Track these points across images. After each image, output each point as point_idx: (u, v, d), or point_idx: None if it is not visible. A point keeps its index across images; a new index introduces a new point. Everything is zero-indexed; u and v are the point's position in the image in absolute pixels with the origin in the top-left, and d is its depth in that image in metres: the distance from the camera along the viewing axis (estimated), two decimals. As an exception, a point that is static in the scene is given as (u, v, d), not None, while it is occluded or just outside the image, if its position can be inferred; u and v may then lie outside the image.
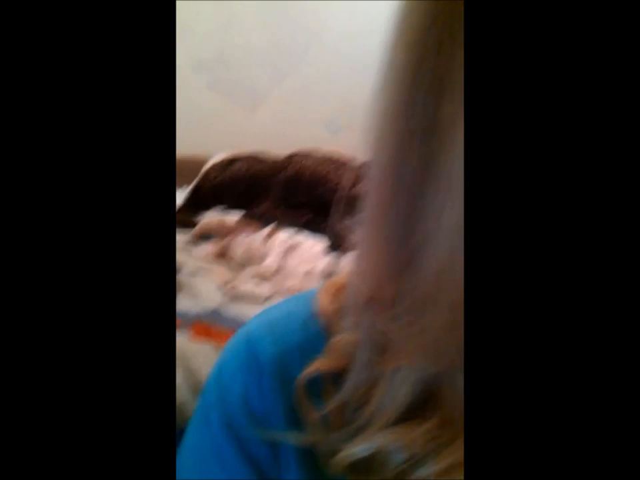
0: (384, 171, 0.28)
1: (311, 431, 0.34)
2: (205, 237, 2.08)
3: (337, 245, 1.74)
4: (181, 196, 2.13)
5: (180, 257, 1.73)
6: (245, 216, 2.03)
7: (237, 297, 1.60)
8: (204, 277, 1.70)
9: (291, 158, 2.20)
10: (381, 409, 0.32)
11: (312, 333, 0.37)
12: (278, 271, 1.73)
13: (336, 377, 0.34)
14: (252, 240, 1.88)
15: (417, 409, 0.32)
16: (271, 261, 1.71)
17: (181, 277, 1.63)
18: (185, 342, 1.32)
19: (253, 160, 2.26)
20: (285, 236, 1.78)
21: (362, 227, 0.30)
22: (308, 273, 1.72)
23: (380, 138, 0.28)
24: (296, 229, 1.83)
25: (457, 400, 0.31)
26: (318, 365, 0.35)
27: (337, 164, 2.10)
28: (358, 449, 0.33)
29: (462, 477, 0.31)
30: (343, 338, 0.35)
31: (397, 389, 0.32)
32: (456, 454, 0.31)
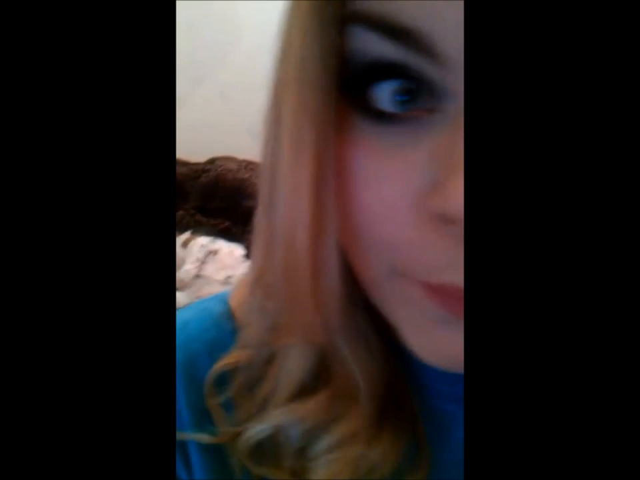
0: (261, 166, 0.31)
1: (219, 426, 0.35)
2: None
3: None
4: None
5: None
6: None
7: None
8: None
9: (212, 162, 2.16)
10: (277, 387, 0.34)
11: (224, 331, 0.37)
12: (196, 277, 1.69)
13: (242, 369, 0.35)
14: (169, 246, 1.83)
15: (311, 385, 0.33)
16: (189, 267, 1.68)
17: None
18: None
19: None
20: (203, 242, 1.75)
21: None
22: (227, 280, 1.70)
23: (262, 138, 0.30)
24: (212, 236, 1.81)
25: (346, 372, 0.32)
26: (225, 360, 0.36)
27: (257, 170, 2.08)
28: (257, 428, 0.34)
29: (357, 448, 0.32)
30: (247, 330, 0.36)
31: (290, 365, 0.33)
32: (349, 425, 0.32)
